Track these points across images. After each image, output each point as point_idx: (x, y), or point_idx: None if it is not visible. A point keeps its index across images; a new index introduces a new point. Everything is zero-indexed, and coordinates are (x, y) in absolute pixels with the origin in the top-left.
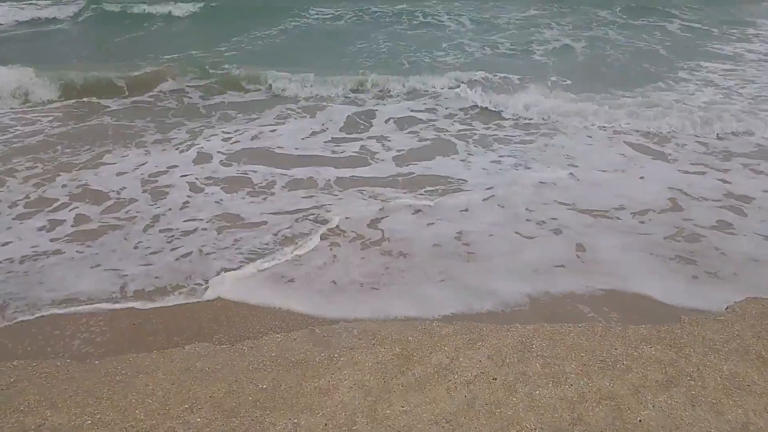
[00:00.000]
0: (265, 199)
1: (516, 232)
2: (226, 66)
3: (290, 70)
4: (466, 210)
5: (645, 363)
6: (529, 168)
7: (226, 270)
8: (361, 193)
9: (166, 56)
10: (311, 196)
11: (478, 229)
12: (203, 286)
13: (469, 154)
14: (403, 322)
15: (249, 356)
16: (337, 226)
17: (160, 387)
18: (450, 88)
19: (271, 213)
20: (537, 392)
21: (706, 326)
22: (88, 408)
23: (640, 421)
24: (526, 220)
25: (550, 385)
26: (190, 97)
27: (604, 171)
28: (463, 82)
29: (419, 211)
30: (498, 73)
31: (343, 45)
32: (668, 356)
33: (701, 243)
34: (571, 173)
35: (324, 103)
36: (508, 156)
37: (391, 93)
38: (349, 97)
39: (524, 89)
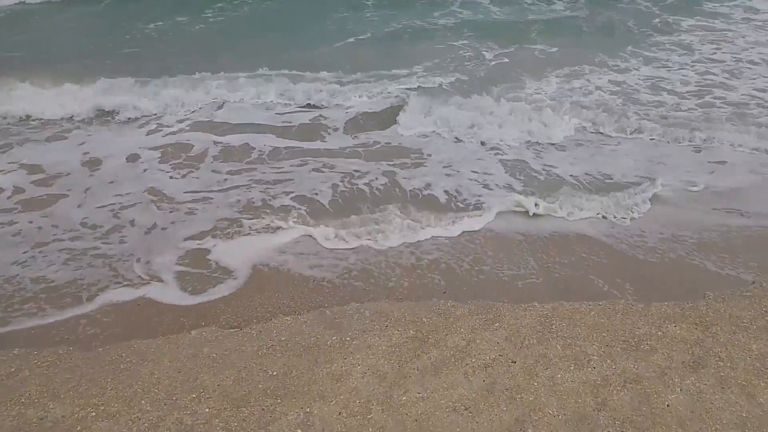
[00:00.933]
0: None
1: None
2: None
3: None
4: None
5: (670, 343)
6: None
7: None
8: None
9: None
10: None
11: None
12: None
13: None
14: (417, 303)
15: (258, 340)
16: None
17: (166, 375)
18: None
19: None
20: (558, 376)
21: (732, 302)
22: (92, 399)
23: (668, 405)
24: None
25: (572, 367)
26: None
27: None
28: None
29: None
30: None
31: None
32: (694, 335)
33: None
34: None
35: None
36: None
37: None
38: None
39: None
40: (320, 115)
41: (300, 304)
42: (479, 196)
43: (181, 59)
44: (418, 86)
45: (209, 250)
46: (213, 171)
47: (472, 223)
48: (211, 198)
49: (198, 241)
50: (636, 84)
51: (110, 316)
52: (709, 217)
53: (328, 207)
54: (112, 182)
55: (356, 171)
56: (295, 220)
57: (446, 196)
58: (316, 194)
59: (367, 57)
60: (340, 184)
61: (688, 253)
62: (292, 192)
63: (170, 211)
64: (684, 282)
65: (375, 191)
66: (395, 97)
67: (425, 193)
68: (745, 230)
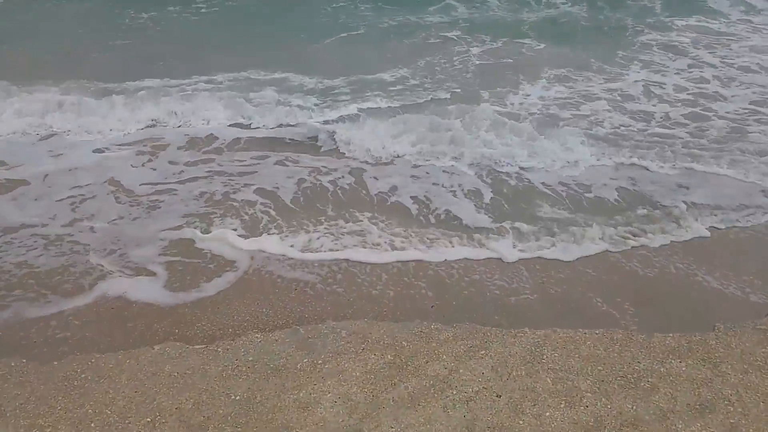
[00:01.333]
0: None
1: None
2: None
3: None
4: None
5: (674, 382)
6: None
7: None
8: None
9: None
10: None
11: None
12: None
13: None
14: (398, 324)
15: (224, 359)
16: None
17: (122, 395)
18: None
19: None
20: (547, 414)
21: (744, 337)
22: (39, 419)
23: None
24: None
25: (562, 405)
26: None
27: None
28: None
29: None
30: None
31: None
32: (702, 374)
33: None
34: None
35: None
36: None
37: None
38: None
39: None
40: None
41: (277, 315)
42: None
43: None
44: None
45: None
46: None
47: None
48: None
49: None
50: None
51: (81, 318)
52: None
53: None
54: None
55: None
56: None
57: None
58: None
59: (355, 56)
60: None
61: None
62: None
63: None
64: (690, 304)
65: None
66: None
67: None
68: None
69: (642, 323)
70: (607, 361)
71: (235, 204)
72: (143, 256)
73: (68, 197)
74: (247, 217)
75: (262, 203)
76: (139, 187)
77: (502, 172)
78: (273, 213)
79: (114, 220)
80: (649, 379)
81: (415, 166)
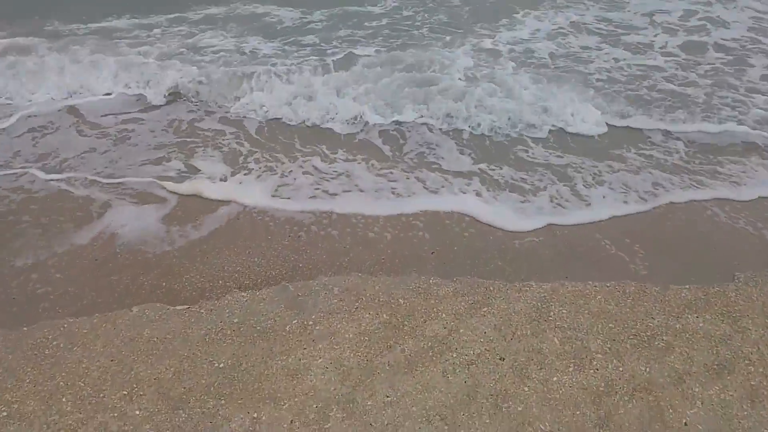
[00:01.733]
0: None
1: None
2: None
3: None
4: None
5: (690, 339)
6: None
7: None
8: None
9: None
10: None
11: None
12: None
13: None
14: (394, 279)
15: (207, 322)
16: None
17: (97, 364)
18: None
19: None
20: (554, 379)
21: (766, 288)
22: (6, 393)
23: (685, 423)
24: None
25: (570, 368)
26: None
27: None
28: None
29: None
30: None
31: None
32: (720, 330)
33: None
34: None
35: None
36: None
37: None
38: None
39: None
40: None
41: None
42: None
43: None
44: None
45: None
46: None
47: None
48: None
49: None
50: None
51: (64, 271)
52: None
53: None
54: None
55: None
56: None
57: None
58: None
59: None
60: None
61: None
62: None
63: None
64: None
65: None
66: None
67: None
68: None
69: (655, 272)
70: (618, 317)
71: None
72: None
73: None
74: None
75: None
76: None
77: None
78: (247, 145)
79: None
80: (664, 337)
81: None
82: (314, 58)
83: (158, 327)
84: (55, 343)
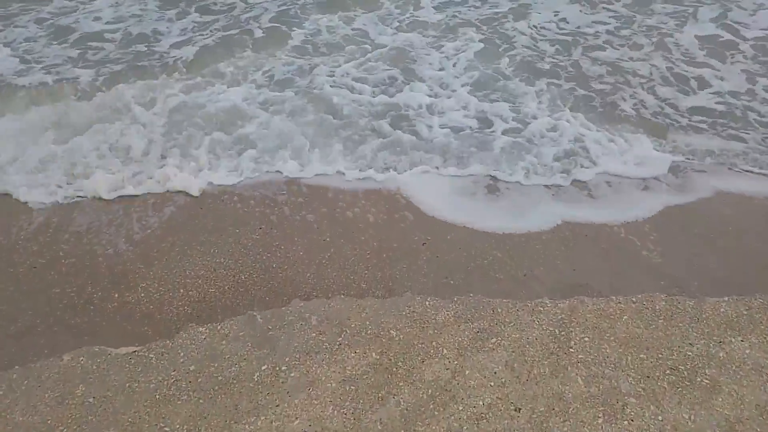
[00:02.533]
0: None
1: None
2: None
3: None
4: None
5: (737, 372)
6: None
7: None
8: None
9: None
10: None
11: None
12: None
13: None
14: (383, 302)
15: (157, 371)
16: None
17: None
18: None
19: None
20: None
21: None
22: None
23: None
24: None
25: (599, 419)
26: None
27: None
28: None
29: None
30: None
31: None
32: None
33: None
34: None
35: None
36: None
37: None
38: None
39: None
40: None
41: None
42: None
43: None
44: None
45: None
46: None
47: None
48: None
49: None
50: None
51: None
52: None
53: None
54: None
55: None
56: None
57: None
58: None
59: None
60: None
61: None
62: None
63: None
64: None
65: None
66: None
67: None
68: None
69: (687, 277)
70: (650, 344)
71: None
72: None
73: None
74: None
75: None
76: None
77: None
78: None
79: None
80: (707, 371)
81: None
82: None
83: (96, 381)
84: None
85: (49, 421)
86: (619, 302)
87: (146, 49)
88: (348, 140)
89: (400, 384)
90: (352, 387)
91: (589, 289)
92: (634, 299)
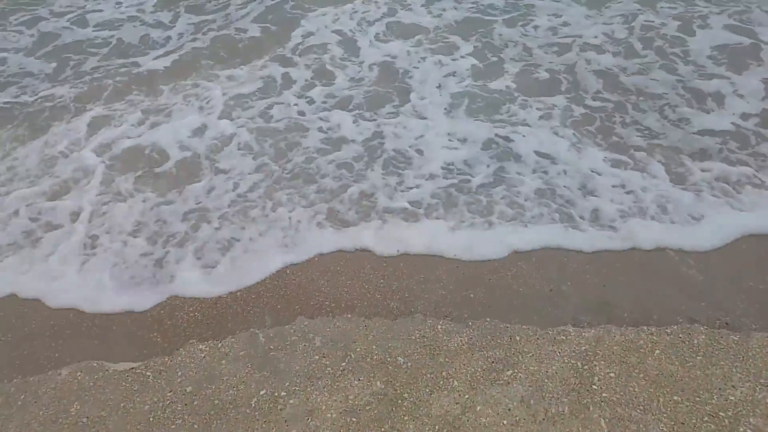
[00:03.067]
0: None
1: None
2: None
3: None
4: None
5: None
6: None
7: None
8: None
9: None
10: None
11: None
12: None
13: None
14: (392, 324)
15: (153, 390)
16: None
17: None
18: None
19: None
20: None
21: None
22: None
23: None
24: None
25: None
26: None
27: None
28: None
29: None
30: None
31: None
32: None
33: None
34: None
35: None
36: None
37: None
38: None
39: None
40: None
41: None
42: None
43: None
44: None
45: None
46: None
47: None
48: None
49: None
50: None
51: None
52: None
53: None
54: None
55: None
56: None
57: None
58: None
59: None
60: None
61: None
62: None
63: None
64: None
65: None
66: None
67: None
68: None
69: (732, 305)
70: (686, 385)
71: None
72: None
73: None
74: None
75: None
76: None
77: None
78: None
79: None
80: (751, 420)
81: None
82: None
83: (91, 399)
84: None
85: None
86: (651, 333)
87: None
88: None
89: (405, 418)
90: (354, 419)
91: (617, 312)
92: (668, 330)
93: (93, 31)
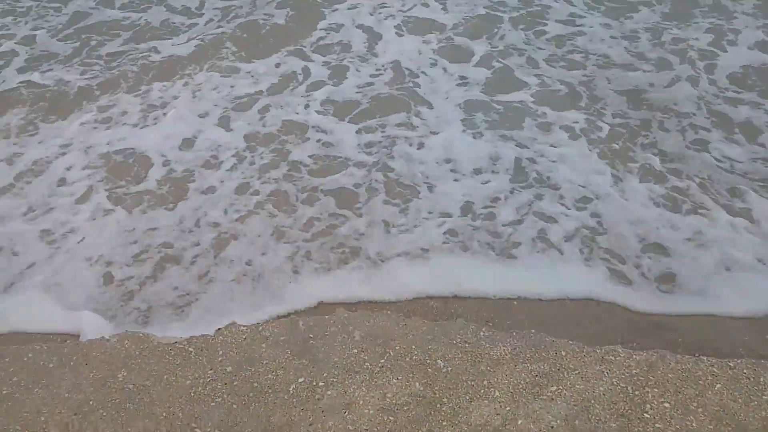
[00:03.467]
0: None
1: None
2: None
3: None
4: None
5: None
6: None
7: None
8: None
9: None
10: None
11: None
12: None
13: None
14: (431, 326)
15: (195, 366)
16: None
17: (56, 420)
18: None
19: None
20: None
21: None
22: None
23: None
24: None
25: None
26: None
27: None
28: None
29: None
30: None
31: None
32: None
33: None
34: None
35: None
36: None
37: None
38: None
39: None
40: None
41: None
42: None
43: None
44: None
45: None
46: None
47: None
48: None
49: None
50: None
51: None
52: None
53: None
54: None
55: None
56: None
57: None
58: None
59: None
60: None
61: None
62: None
63: None
64: None
65: None
66: None
67: None
68: None
69: None
70: (751, 426)
71: None
72: None
73: None
74: None
75: None
76: None
77: None
78: None
79: None
80: None
81: None
82: None
83: (137, 367)
84: (15, 379)
85: (91, 402)
86: (712, 365)
87: None
88: None
89: (444, 423)
90: (391, 418)
91: (670, 336)
92: (731, 364)
93: (119, 11)
